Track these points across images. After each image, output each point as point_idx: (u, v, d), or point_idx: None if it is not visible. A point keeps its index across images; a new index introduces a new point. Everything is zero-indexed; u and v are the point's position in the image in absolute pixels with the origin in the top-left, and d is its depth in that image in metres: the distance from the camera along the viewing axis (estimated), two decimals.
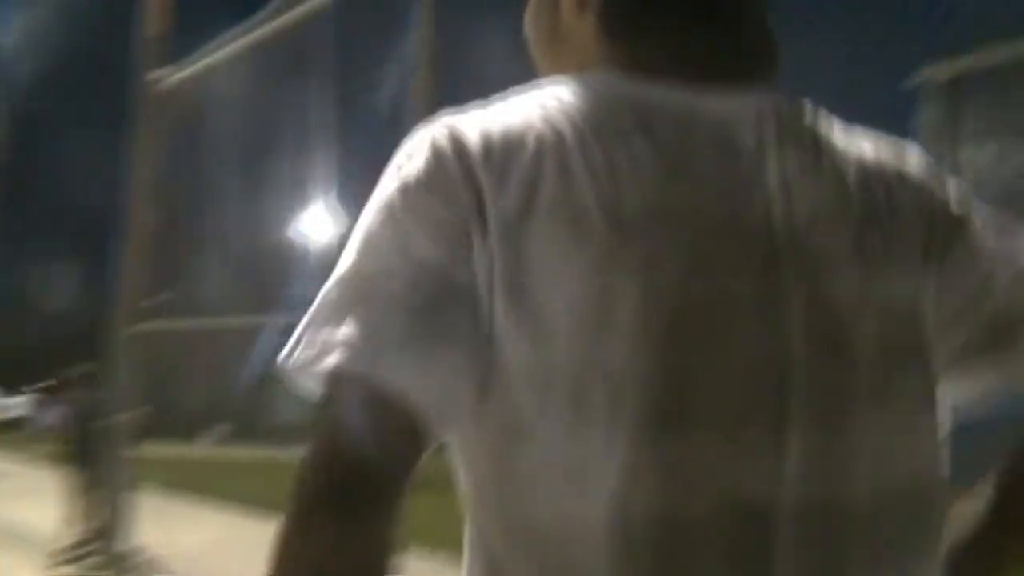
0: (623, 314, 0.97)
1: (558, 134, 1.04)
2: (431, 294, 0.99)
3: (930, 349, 1.12)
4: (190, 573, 8.95)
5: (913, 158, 1.22)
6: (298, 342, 1.02)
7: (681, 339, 0.98)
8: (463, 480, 1.08)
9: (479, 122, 1.06)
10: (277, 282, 8.38)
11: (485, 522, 1.04)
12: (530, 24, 1.32)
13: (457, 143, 1.03)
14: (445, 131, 1.05)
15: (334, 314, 1.00)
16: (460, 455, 1.08)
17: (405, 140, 1.09)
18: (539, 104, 1.08)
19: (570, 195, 1.00)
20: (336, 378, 0.98)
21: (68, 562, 9.50)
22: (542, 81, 1.16)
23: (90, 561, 9.45)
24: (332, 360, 0.97)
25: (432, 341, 0.98)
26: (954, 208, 1.20)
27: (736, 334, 1.00)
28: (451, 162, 1.01)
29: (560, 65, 1.24)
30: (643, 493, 0.96)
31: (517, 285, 0.99)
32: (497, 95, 1.12)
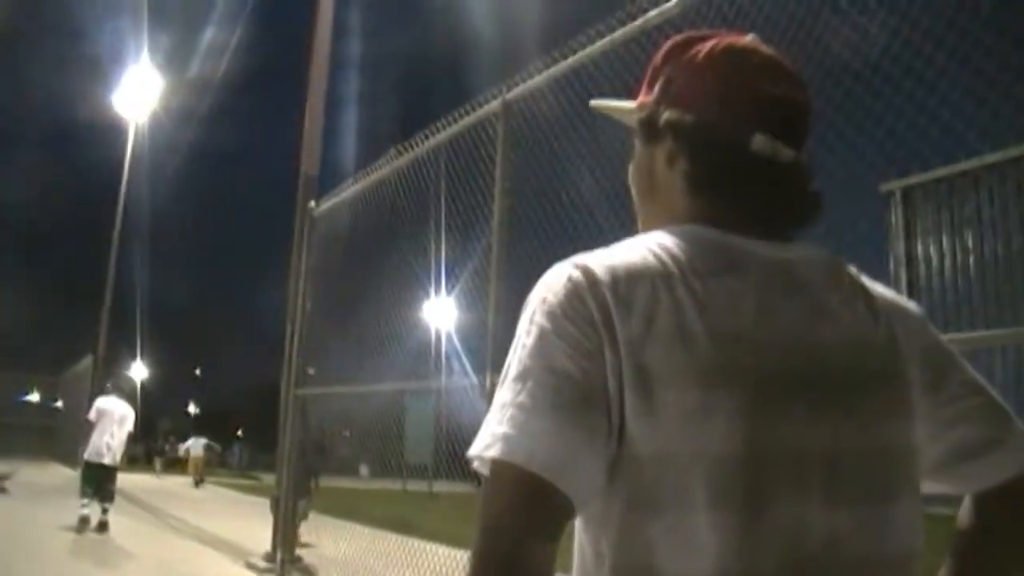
0: (720, 417, 1.12)
1: (668, 272, 1.20)
2: (572, 399, 1.13)
3: (918, 456, 1.27)
4: (343, 574, 9.60)
5: (912, 304, 1.38)
6: (480, 437, 1.17)
7: (759, 437, 1.13)
8: (588, 546, 1.21)
9: (605, 261, 1.22)
10: (404, 359, 9.46)
11: (613, 565, 1.16)
12: (632, 178, 1.46)
13: (590, 278, 1.19)
14: (579, 269, 1.21)
15: (500, 415, 1.15)
16: (587, 525, 1.20)
17: (549, 274, 1.25)
18: (650, 248, 1.23)
19: (681, 321, 1.16)
20: (498, 465, 1.13)
21: (263, 567, 10.31)
22: (648, 233, 1.30)
23: (279, 564, 10.19)
24: (494, 451, 1.13)
25: (573, 436, 1.12)
26: (944, 347, 1.36)
27: (798, 433, 1.15)
28: (586, 294, 1.18)
29: (655, 214, 1.39)
30: (738, 557, 1.10)
31: (641, 390, 1.13)
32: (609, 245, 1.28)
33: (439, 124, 8.00)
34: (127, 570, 9.87)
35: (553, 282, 1.23)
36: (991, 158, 17.59)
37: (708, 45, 1.37)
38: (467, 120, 7.42)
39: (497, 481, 1.14)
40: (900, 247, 20.89)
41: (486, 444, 1.15)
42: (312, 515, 10.96)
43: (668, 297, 1.18)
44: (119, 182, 37.65)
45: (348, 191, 10.03)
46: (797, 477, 1.15)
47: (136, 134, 38.70)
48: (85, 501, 13.45)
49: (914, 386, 1.28)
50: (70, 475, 29.10)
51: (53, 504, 18.19)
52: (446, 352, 9.64)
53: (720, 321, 1.18)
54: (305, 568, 10.21)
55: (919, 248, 21.01)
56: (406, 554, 9.03)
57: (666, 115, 1.36)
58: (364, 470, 25.68)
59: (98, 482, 13.42)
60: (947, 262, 20.68)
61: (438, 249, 8.61)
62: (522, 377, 1.17)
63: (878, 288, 1.35)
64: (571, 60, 6.18)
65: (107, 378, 17.43)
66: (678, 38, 1.44)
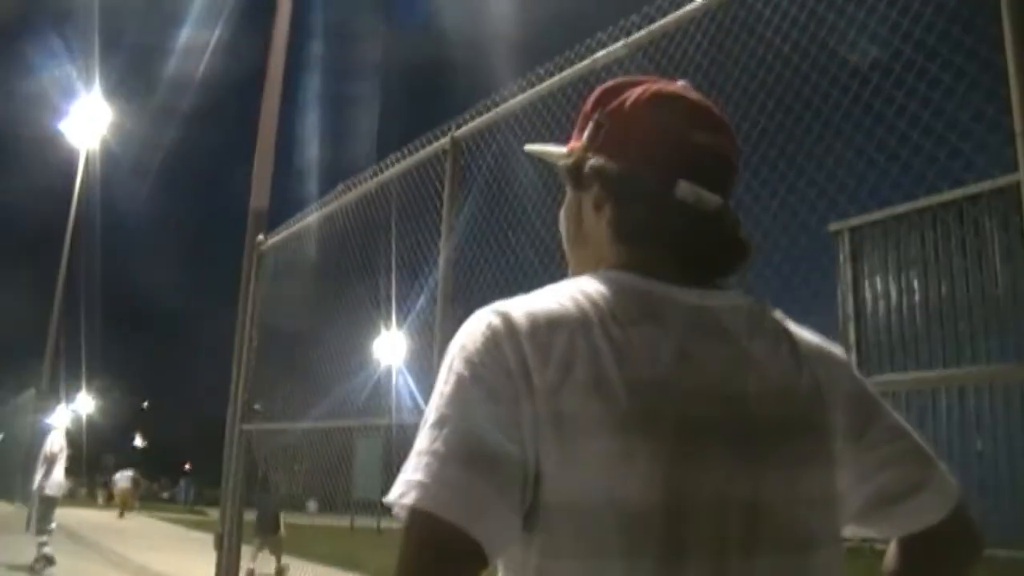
0: (637, 465, 1.12)
1: (587, 320, 1.20)
2: (487, 448, 1.13)
3: (840, 504, 1.28)
4: None
5: (837, 349, 1.39)
6: (396, 484, 1.17)
7: (678, 485, 1.13)
8: None
9: (525, 308, 1.22)
10: (352, 394, 9.44)
11: None
12: (561, 223, 1.48)
13: (508, 326, 1.20)
14: (499, 316, 1.22)
15: (415, 462, 1.16)
16: (506, 572, 1.22)
17: (466, 321, 1.26)
18: (571, 295, 1.24)
19: (598, 369, 1.15)
20: (412, 513, 1.13)
21: None
22: (570, 279, 1.32)
23: None
24: (408, 499, 1.13)
25: (486, 484, 1.11)
26: (868, 392, 1.36)
27: (717, 482, 1.15)
28: (504, 342, 1.18)
29: (583, 259, 1.41)
30: None
31: (558, 439, 1.13)
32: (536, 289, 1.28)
33: (388, 160, 8.02)
34: None
35: (472, 329, 1.24)
36: (924, 202, 18.03)
37: (636, 92, 1.39)
38: (415, 157, 7.45)
39: (411, 528, 1.14)
40: (847, 285, 21.23)
41: (401, 492, 1.16)
42: (254, 551, 10.79)
43: (586, 345, 1.18)
44: (67, 211, 37.13)
45: (297, 225, 10.01)
46: (716, 527, 1.15)
47: (86, 162, 38.27)
48: (45, 539, 13.35)
49: (837, 433, 1.29)
50: (5, 511, 28.57)
51: None
52: (395, 388, 9.62)
53: (638, 369, 1.18)
54: None
55: (866, 287, 21.37)
56: None
57: (592, 162, 1.38)
58: (312, 506, 25.47)
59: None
60: (892, 301, 21.04)
61: (387, 284, 8.62)
62: (438, 424, 1.17)
63: (804, 334, 1.36)
64: (520, 98, 6.22)
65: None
66: (608, 84, 1.46)
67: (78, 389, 51.68)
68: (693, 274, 1.31)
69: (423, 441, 1.18)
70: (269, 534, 14.82)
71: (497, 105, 6.50)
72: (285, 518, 15.33)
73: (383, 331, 9.44)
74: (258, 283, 10.74)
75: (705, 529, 1.14)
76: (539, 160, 1.66)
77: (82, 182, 37.72)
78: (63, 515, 26.21)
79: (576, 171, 1.42)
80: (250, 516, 10.89)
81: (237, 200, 11.93)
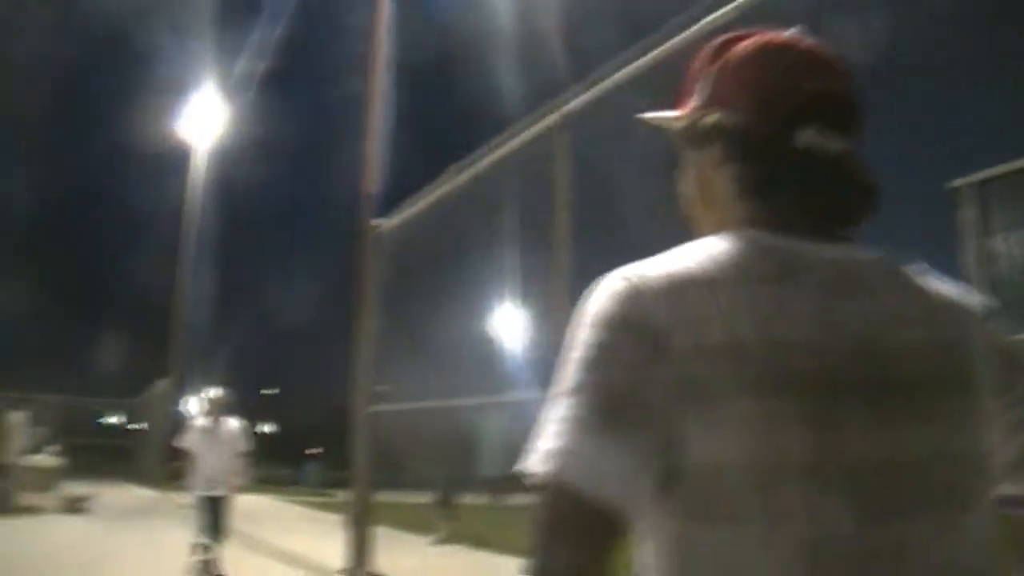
0: (776, 427, 1.09)
1: (719, 280, 1.16)
2: (622, 414, 1.11)
3: (989, 460, 1.21)
4: None
5: (977, 302, 1.31)
6: (529, 452, 1.16)
7: (821, 447, 1.09)
8: (644, 559, 1.20)
9: (654, 271, 1.19)
10: (476, 372, 9.49)
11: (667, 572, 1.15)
12: (683, 186, 1.45)
13: (641, 290, 1.17)
14: (628, 280, 1.19)
15: (549, 430, 1.15)
16: (642, 539, 1.19)
17: (594, 287, 1.23)
18: (700, 256, 1.20)
19: (733, 330, 1.12)
20: (549, 482, 1.12)
21: None
22: (700, 239, 1.27)
23: None
24: (544, 468, 1.12)
25: (623, 451, 1.10)
26: (1012, 348, 1.30)
27: (860, 442, 1.11)
28: (637, 306, 1.16)
29: (708, 220, 1.38)
30: (798, 571, 1.08)
31: (693, 402, 1.10)
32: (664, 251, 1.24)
33: (498, 139, 8.02)
34: None
35: (602, 294, 1.21)
36: None
37: (744, 45, 1.36)
38: (524, 135, 7.45)
39: (547, 498, 1.14)
40: (975, 244, 20.45)
41: (536, 461, 1.15)
42: (386, 530, 11.00)
43: (720, 306, 1.15)
44: (182, 207, 38.35)
45: (411, 208, 10.13)
46: (859, 488, 1.12)
47: (201, 159, 39.37)
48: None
49: (982, 389, 1.23)
50: (148, 496, 29.70)
51: (130, 525, 18.88)
52: (517, 365, 9.66)
53: (775, 329, 1.14)
54: None
55: (995, 245, 20.52)
56: (480, 569, 9.06)
57: (708, 120, 1.35)
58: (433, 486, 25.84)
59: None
60: None
61: (503, 263, 8.63)
62: (572, 391, 1.16)
63: (942, 287, 1.31)
64: (628, 69, 6.16)
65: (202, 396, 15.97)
66: (715, 41, 1.42)
67: (207, 378, 53.21)
68: (822, 226, 1.27)
69: (557, 409, 1.17)
70: (446, 507, 17.03)
71: (604, 79, 6.44)
72: (411, 497, 15.74)
73: (500, 308, 9.47)
74: (376, 266, 10.86)
75: (850, 491, 1.11)
76: (654, 128, 1.57)
77: (197, 178, 38.81)
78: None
79: (692, 131, 1.39)
80: (380, 497, 11.04)
81: (350, 187, 12.10)
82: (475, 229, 8.92)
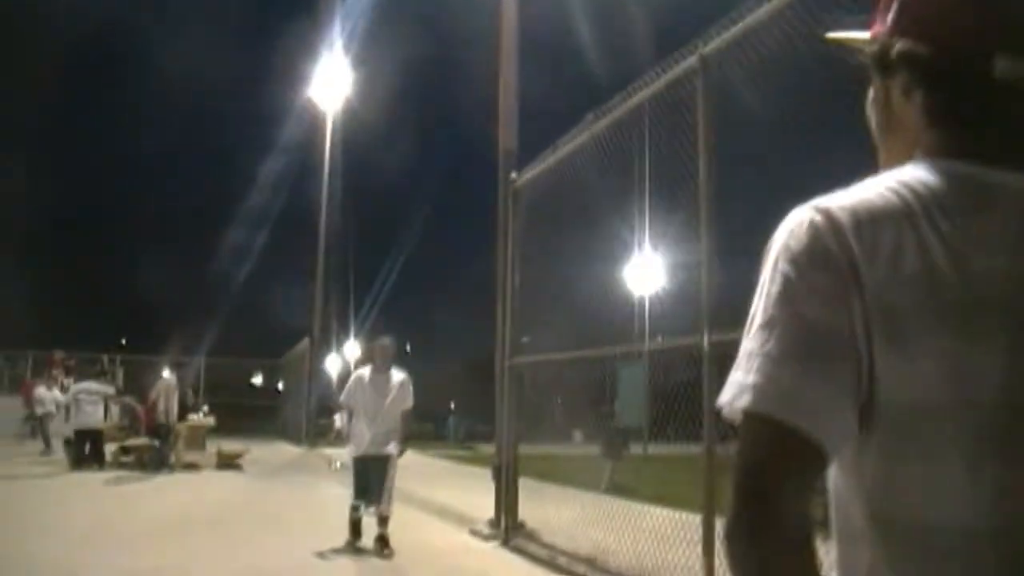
0: (976, 362, 1.08)
1: (912, 211, 1.14)
2: (820, 346, 1.12)
3: None
4: (555, 539, 9.74)
5: None
6: (728, 387, 1.18)
7: (1020, 382, 1.08)
8: (844, 493, 1.21)
9: (847, 203, 1.18)
10: (610, 322, 9.52)
11: (864, 526, 1.16)
12: (869, 114, 1.40)
13: (833, 223, 1.16)
14: (821, 213, 1.18)
15: (747, 364, 1.16)
16: (842, 472, 1.20)
17: (789, 220, 1.22)
18: (893, 187, 1.18)
19: (929, 262, 1.11)
20: (750, 416, 1.13)
21: (487, 533, 10.75)
22: (888, 170, 1.25)
23: (503, 530, 10.59)
24: (742, 402, 1.14)
25: (822, 384, 1.11)
26: None
27: None
28: (829, 239, 1.14)
29: (895, 150, 1.33)
30: (996, 509, 1.08)
31: (890, 336, 1.10)
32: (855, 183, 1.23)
33: (636, 85, 7.97)
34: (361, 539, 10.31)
35: (795, 228, 1.20)
36: None
37: None
38: (663, 79, 7.39)
39: (749, 431, 1.15)
40: None
41: (734, 394, 1.17)
42: (529, 482, 11.12)
43: (914, 237, 1.14)
44: (321, 169, 39.17)
45: (549, 160, 10.15)
46: None
47: (332, 122, 40.12)
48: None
49: None
50: (295, 452, 30.63)
51: (284, 480, 19.64)
52: (652, 313, 9.64)
53: (971, 260, 1.12)
54: (529, 534, 10.43)
55: None
56: (625, 517, 9.10)
57: (898, 46, 1.28)
58: (578, 436, 25.89)
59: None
60: None
61: (643, 211, 8.60)
62: (768, 325, 1.17)
63: None
64: (768, 7, 6.04)
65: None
66: None
67: (346, 337, 54.48)
68: (1021, 155, 1.20)
69: (753, 343, 1.18)
70: (615, 459, 17.15)
71: (744, 18, 6.34)
72: (555, 449, 15.89)
73: (636, 257, 9.44)
74: (515, 220, 10.97)
75: None
76: (839, 47, 1.51)
77: (331, 138, 39.60)
78: (337, 453, 27.88)
79: (882, 57, 1.33)
80: (526, 449, 11.21)
81: (485, 143, 12.25)
82: (612, 177, 8.90)
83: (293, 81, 45.63)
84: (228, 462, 21.69)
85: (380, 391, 9.90)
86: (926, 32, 1.26)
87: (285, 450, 32.02)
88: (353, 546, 9.87)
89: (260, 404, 45.36)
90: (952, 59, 1.23)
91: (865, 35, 1.40)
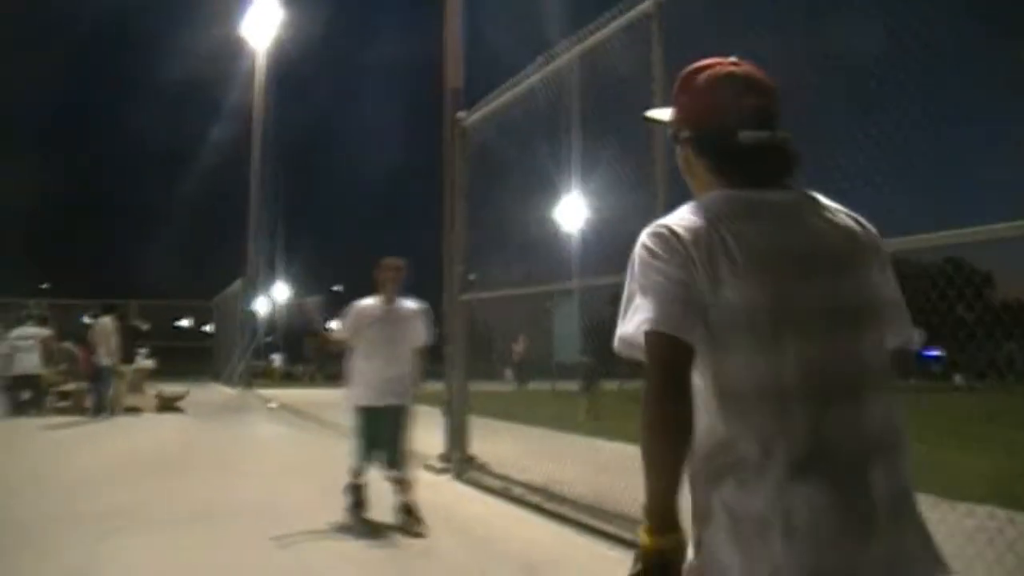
0: (759, 301, 1.98)
1: (716, 223, 2.05)
2: (684, 293, 1.98)
3: (879, 304, 2.11)
4: (507, 471, 10.04)
5: (862, 220, 2.21)
6: (623, 330, 2.07)
7: (779, 299, 1.98)
8: (697, 378, 2.02)
9: (678, 220, 2.09)
10: (545, 260, 9.70)
11: (707, 393, 2.02)
12: (680, 167, 2.36)
13: (672, 232, 2.05)
14: (664, 227, 2.08)
15: (642, 309, 2.01)
16: (696, 363, 2.01)
17: (643, 235, 2.10)
18: (701, 209, 2.11)
19: (728, 250, 2.01)
20: (652, 335, 1.97)
21: (440, 467, 10.91)
22: (696, 198, 2.19)
23: (455, 463, 10.81)
24: (646, 327, 1.98)
25: (688, 314, 1.96)
26: (884, 249, 2.19)
27: (801, 295, 2.00)
28: (673, 240, 2.04)
29: (697, 185, 2.28)
30: (775, 374, 1.95)
31: (713, 286, 1.99)
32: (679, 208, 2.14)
33: (588, 29, 8.08)
34: (312, 478, 10.51)
35: (652, 235, 2.09)
36: None
37: (701, 78, 2.24)
38: (617, 22, 7.52)
39: (655, 344, 1.98)
40: None
41: (637, 325, 2.03)
42: (474, 418, 11.28)
43: (717, 234, 2.04)
44: (251, 108, 38.71)
45: (497, 100, 10.28)
46: (805, 320, 1.99)
47: (264, 57, 39.56)
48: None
49: (872, 266, 2.13)
50: (231, 393, 30.60)
51: (224, 421, 19.93)
52: (583, 251, 9.78)
53: (749, 241, 2.03)
54: (480, 467, 10.74)
55: None
56: (571, 449, 9.33)
57: (683, 134, 2.29)
58: (508, 373, 26.27)
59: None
60: None
61: (579, 155, 8.73)
62: (646, 288, 2.04)
63: (840, 210, 2.20)
64: None
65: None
66: (684, 73, 2.30)
67: (276, 277, 54.24)
68: (767, 181, 2.16)
69: (638, 300, 2.05)
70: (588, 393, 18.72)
71: None
72: (499, 387, 16.12)
73: (578, 198, 9.57)
74: (461, 160, 11.08)
75: (799, 322, 1.99)
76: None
77: (262, 74, 39.06)
78: (273, 394, 27.62)
79: (676, 136, 2.33)
80: (475, 386, 11.41)
81: (430, 81, 12.26)
82: (560, 119, 9.00)
83: (223, 17, 44.70)
84: (169, 405, 21.86)
85: (390, 324, 8.05)
86: (696, 125, 2.26)
87: (221, 392, 32.12)
88: (361, 520, 7.95)
89: (191, 346, 45.22)
90: (713, 134, 2.21)
91: (668, 119, 2.37)
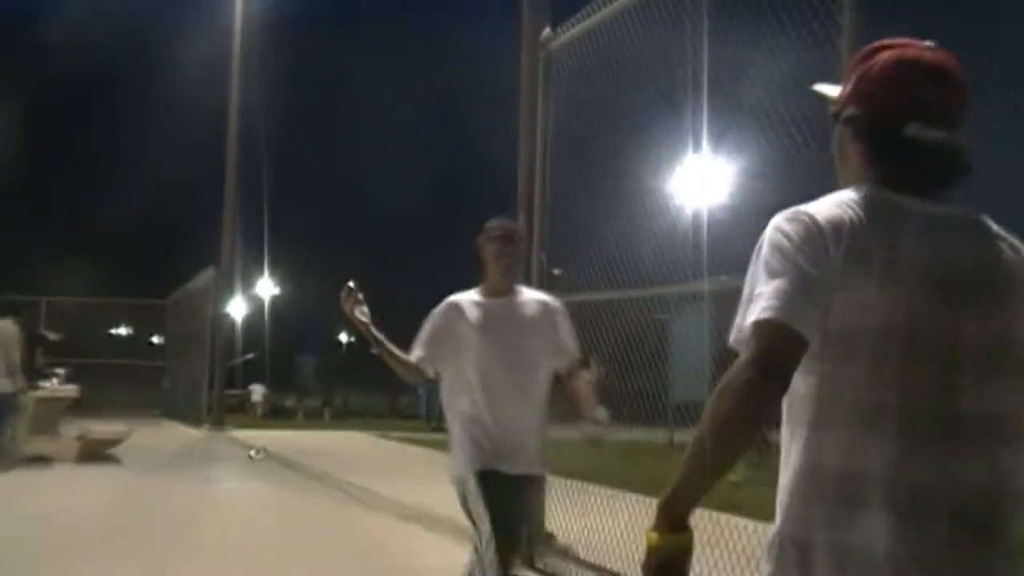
0: (897, 311, 2.47)
1: (857, 219, 2.55)
2: (810, 285, 2.46)
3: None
4: (602, 559, 9.90)
5: (1019, 243, 2.74)
6: (742, 321, 2.55)
7: (914, 317, 2.47)
8: (804, 380, 2.54)
9: (819, 211, 2.58)
10: (658, 251, 9.32)
11: (819, 397, 2.54)
12: (833, 147, 2.93)
13: (813, 221, 2.55)
14: (805, 215, 2.57)
15: (763, 296, 2.47)
16: (806, 365, 2.51)
17: (778, 218, 2.61)
18: (845, 203, 2.61)
19: (865, 251, 2.50)
20: (765, 322, 2.43)
21: None
22: (843, 188, 2.72)
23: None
24: (766, 315, 2.44)
25: (813, 307, 2.45)
26: None
27: (940, 317, 2.50)
28: (813, 230, 2.53)
29: (847, 173, 2.83)
30: (895, 398, 2.49)
31: (845, 287, 2.49)
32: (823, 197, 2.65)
33: None
34: (328, 564, 10.67)
35: (789, 221, 2.58)
36: None
37: (885, 56, 2.73)
38: None
39: (766, 331, 2.43)
40: None
41: (759, 312, 2.46)
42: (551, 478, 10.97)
43: (856, 237, 2.52)
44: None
45: (599, 14, 10.15)
46: (941, 343, 2.50)
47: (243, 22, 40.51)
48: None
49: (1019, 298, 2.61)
50: (194, 436, 30.75)
51: (184, 477, 19.63)
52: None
53: (889, 248, 2.52)
54: (562, 550, 10.67)
55: None
56: (698, 528, 9.26)
57: (847, 112, 2.79)
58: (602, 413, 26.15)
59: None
60: None
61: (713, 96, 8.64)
62: (776, 274, 2.50)
63: (1009, 236, 2.71)
64: None
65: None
66: (867, 48, 2.84)
67: (261, 269, 54.65)
68: (922, 189, 2.64)
69: (766, 287, 2.49)
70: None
71: None
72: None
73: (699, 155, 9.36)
74: (546, 101, 10.96)
75: (934, 344, 2.49)
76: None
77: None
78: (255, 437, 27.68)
79: (838, 115, 2.83)
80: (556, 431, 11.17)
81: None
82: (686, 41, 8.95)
83: None
84: (98, 453, 21.50)
85: (508, 330, 6.78)
86: (863, 105, 2.75)
87: (180, 433, 32.63)
88: None
89: (135, 365, 44.64)
90: (879, 123, 2.70)
91: (834, 95, 2.90)
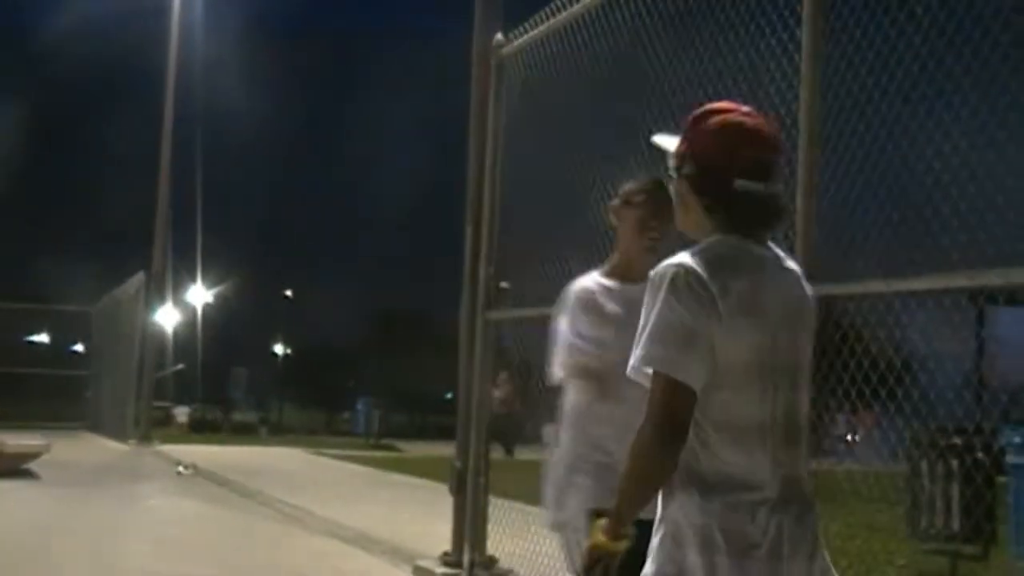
0: (750, 349, 3.32)
1: (720, 267, 3.31)
2: (693, 338, 3.22)
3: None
4: None
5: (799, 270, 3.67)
6: (639, 359, 3.31)
7: (771, 359, 3.36)
8: (697, 417, 3.27)
9: (698, 262, 3.31)
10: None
11: (701, 422, 3.28)
12: (674, 197, 3.71)
13: (695, 273, 3.27)
14: (686, 266, 3.29)
15: (653, 347, 3.26)
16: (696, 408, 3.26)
17: (664, 270, 3.32)
18: (713, 252, 3.38)
19: (727, 294, 3.26)
20: (657, 375, 3.24)
21: (442, 573, 10.80)
22: (700, 243, 3.46)
23: (467, 569, 10.70)
24: (654, 367, 3.26)
25: (695, 358, 3.22)
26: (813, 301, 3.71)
27: (782, 344, 3.41)
28: (696, 282, 3.26)
29: (688, 221, 3.61)
30: (757, 414, 3.34)
31: (727, 329, 3.26)
32: (695, 248, 3.41)
33: None
34: None
35: (673, 274, 3.24)
36: None
37: (714, 120, 3.45)
38: None
39: (661, 384, 3.20)
40: None
41: (642, 363, 3.27)
42: (504, 502, 11.18)
43: (722, 282, 3.22)
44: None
45: (554, 19, 10.16)
46: (781, 371, 3.34)
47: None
48: None
49: (810, 329, 3.57)
50: (119, 450, 30.69)
51: (109, 495, 19.41)
52: None
53: (747, 291, 3.27)
54: (503, 574, 10.66)
55: None
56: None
57: (685, 168, 3.48)
58: (547, 433, 26.17)
59: None
60: None
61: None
62: (659, 326, 3.22)
63: (795, 269, 3.58)
64: None
65: None
66: (698, 111, 3.55)
67: (193, 277, 54.56)
68: (754, 233, 3.40)
69: (657, 333, 3.22)
70: None
71: None
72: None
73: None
74: (497, 106, 11.06)
75: (779, 370, 3.34)
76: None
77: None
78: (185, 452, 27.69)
79: (677, 170, 3.52)
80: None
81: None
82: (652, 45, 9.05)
83: None
84: (12, 467, 21.22)
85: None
86: (697, 163, 3.44)
87: (104, 447, 32.56)
88: None
89: (55, 375, 44.62)
90: (713, 180, 3.40)
91: (674, 145, 3.60)
